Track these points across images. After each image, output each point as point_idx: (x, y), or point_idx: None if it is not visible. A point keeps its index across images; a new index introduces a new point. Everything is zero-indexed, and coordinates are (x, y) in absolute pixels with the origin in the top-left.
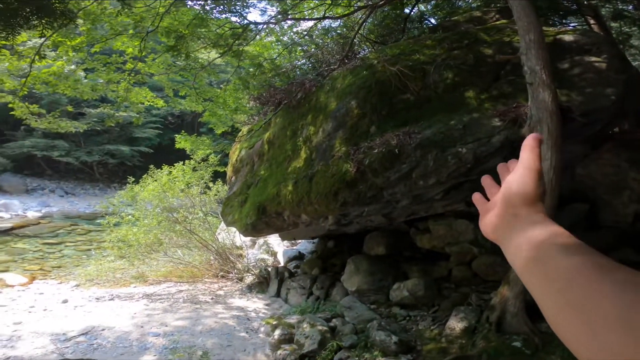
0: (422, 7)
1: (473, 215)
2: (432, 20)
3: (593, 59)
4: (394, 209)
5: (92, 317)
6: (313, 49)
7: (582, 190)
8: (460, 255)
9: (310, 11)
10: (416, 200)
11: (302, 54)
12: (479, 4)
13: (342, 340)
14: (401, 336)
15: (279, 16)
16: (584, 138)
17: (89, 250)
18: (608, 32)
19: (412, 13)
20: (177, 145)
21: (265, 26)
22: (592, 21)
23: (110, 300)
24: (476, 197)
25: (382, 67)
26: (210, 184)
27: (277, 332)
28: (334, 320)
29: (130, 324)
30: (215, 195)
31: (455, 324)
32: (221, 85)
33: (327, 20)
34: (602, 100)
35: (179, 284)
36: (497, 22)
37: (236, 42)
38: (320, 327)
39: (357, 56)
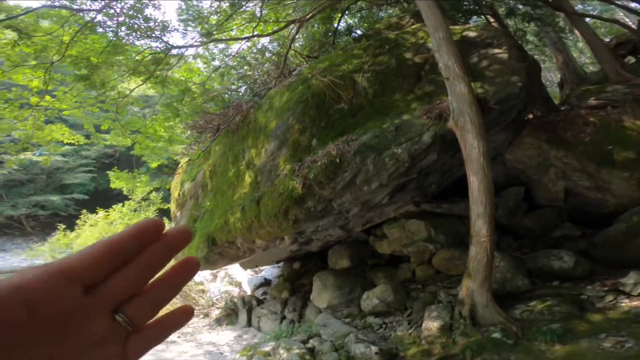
0: (349, 20)
1: (424, 214)
2: (359, 32)
3: (496, 50)
4: (348, 220)
5: None
6: (247, 70)
7: (514, 174)
8: (418, 255)
9: (239, 32)
10: (366, 207)
11: (235, 76)
12: (397, 12)
13: None
14: (381, 345)
15: (204, 39)
16: (504, 126)
17: None
18: (505, 27)
19: (339, 27)
20: (112, 185)
21: (188, 50)
22: (491, 19)
23: None
24: None
25: (316, 80)
26: None
27: None
28: (310, 340)
29: None
30: None
31: (431, 324)
32: (150, 116)
33: (262, 40)
34: (511, 88)
35: None
36: (412, 26)
37: (158, 67)
38: (297, 351)
39: (294, 72)
